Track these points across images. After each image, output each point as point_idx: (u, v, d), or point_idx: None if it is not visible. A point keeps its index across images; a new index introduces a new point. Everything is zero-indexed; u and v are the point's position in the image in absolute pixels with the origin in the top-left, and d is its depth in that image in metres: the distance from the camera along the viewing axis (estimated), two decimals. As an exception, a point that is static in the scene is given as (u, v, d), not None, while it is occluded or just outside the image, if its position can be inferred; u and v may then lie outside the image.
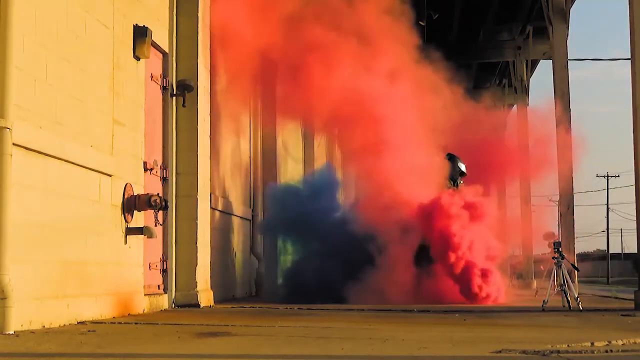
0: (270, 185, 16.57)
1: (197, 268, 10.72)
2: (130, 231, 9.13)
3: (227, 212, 14.26)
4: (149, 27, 9.51)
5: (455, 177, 15.57)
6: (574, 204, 18.92)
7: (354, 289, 13.03)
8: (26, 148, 6.85)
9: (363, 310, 10.83)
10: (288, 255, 16.31)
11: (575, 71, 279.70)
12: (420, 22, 18.55)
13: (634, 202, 11.68)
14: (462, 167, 15.74)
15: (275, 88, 16.34)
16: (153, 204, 9.32)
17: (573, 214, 18.72)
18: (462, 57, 23.65)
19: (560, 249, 11.91)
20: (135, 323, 7.88)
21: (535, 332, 7.54)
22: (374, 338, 6.60)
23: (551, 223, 32.97)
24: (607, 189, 78.95)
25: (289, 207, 14.98)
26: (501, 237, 14.87)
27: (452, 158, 15.64)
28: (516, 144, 23.51)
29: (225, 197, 14.21)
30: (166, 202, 9.65)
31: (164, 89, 10.67)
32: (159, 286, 10.29)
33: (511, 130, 25.59)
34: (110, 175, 8.63)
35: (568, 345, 5.99)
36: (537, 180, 23.57)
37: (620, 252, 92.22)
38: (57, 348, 5.65)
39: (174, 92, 10.82)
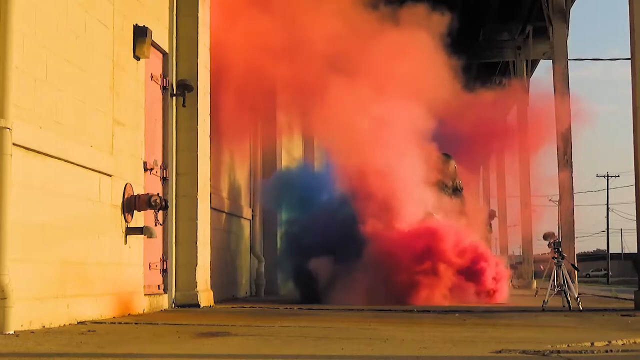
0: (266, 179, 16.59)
1: (197, 268, 10.72)
2: (130, 231, 9.13)
3: (227, 212, 14.26)
4: (149, 27, 9.51)
5: (447, 182, 15.19)
6: (574, 204, 18.94)
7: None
8: (26, 148, 6.85)
9: (363, 310, 10.83)
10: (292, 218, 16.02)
11: (575, 71, 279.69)
12: (420, 22, 18.52)
13: (634, 202, 11.69)
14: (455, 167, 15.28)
15: (275, 87, 16.32)
16: (153, 204, 9.31)
17: (573, 214, 18.74)
18: (462, 57, 23.64)
19: (560, 249, 11.91)
20: (135, 323, 7.87)
21: (535, 332, 7.54)
22: (374, 338, 6.59)
23: (551, 223, 32.99)
24: (607, 189, 79.05)
25: (291, 189, 15.01)
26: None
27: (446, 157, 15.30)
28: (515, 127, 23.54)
29: (225, 197, 14.21)
30: (166, 202, 9.64)
31: (164, 89, 10.67)
32: (159, 286, 10.28)
33: (511, 124, 25.63)
34: (110, 175, 8.63)
35: (568, 345, 5.99)
36: (536, 150, 23.34)
37: (621, 252, 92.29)
38: (57, 348, 5.64)
39: (174, 92, 10.82)
